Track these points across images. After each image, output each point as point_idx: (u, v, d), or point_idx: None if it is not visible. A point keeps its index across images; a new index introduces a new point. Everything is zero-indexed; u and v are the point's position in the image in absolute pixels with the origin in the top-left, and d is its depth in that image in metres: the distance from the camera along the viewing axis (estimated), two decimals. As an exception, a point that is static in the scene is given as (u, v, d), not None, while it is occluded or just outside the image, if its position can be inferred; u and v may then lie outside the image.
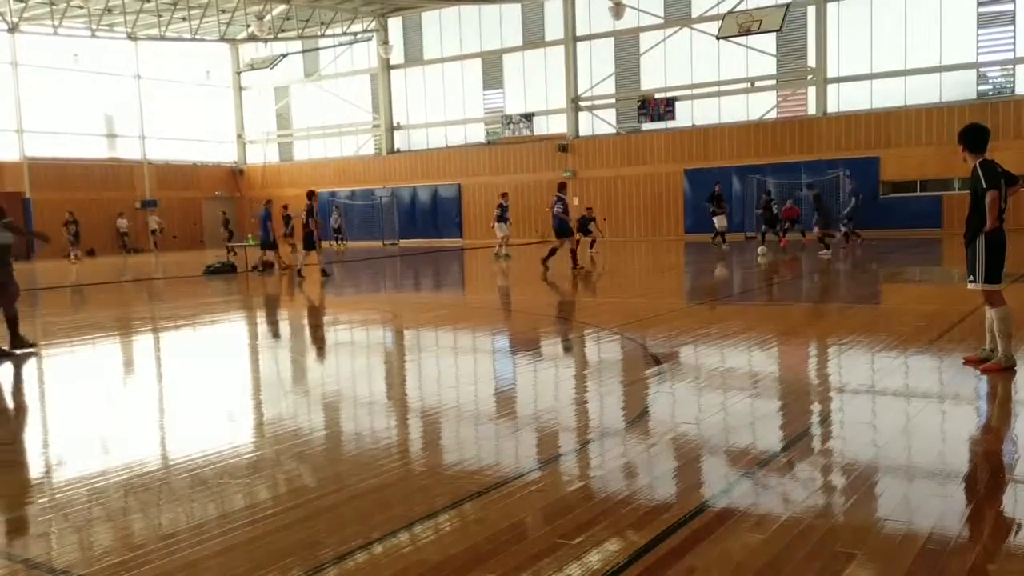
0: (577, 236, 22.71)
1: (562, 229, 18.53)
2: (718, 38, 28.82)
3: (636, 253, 25.18)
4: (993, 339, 6.69)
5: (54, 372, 8.78)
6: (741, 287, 14.86)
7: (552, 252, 18.64)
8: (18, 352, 9.32)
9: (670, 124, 32.17)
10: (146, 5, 33.38)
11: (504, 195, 24.62)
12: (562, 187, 19.58)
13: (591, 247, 23.88)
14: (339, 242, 36.12)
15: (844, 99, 29.33)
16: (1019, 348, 7.17)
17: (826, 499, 4.08)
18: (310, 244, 19.44)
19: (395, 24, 38.66)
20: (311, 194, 19.77)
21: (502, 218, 23.76)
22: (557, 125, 35.02)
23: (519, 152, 35.22)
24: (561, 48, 34.19)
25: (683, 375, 7.12)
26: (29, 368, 8.78)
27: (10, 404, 7.34)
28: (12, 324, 9.49)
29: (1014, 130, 25.59)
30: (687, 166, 31.40)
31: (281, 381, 8.06)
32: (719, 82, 31.30)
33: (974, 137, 6.68)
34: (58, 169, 36.38)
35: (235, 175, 43.43)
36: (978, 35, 27.10)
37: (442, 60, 37.69)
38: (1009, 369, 6.52)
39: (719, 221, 24.50)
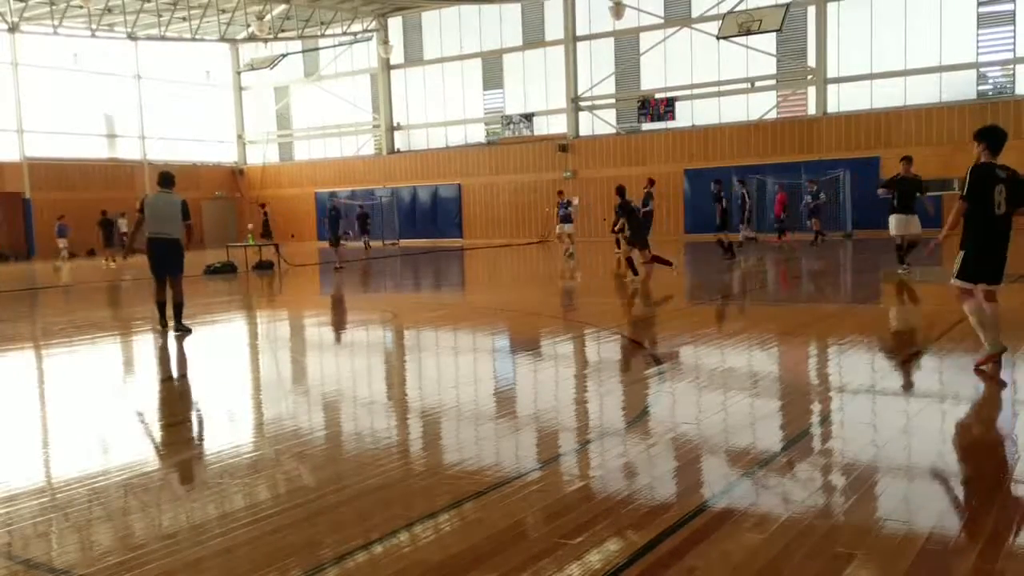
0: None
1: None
2: (718, 38, 28.81)
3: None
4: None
5: (53, 370, 8.79)
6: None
7: None
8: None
9: (670, 124, 32.16)
10: (146, 5, 33.38)
11: (560, 193, 25.14)
12: None
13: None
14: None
15: (844, 99, 29.32)
16: (1020, 349, 7.18)
17: (826, 499, 4.08)
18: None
19: (395, 24, 38.66)
20: (650, 181, 22.98)
21: (566, 218, 23.38)
22: (557, 125, 35.01)
23: (519, 152, 35.21)
24: (561, 48, 34.18)
25: (683, 375, 7.12)
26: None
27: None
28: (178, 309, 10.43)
29: (1014, 130, 25.49)
30: (687, 166, 31.37)
31: (281, 380, 8.06)
32: (719, 82, 31.28)
33: (985, 136, 6.66)
34: (58, 169, 36.36)
35: (235, 175, 43.42)
36: (978, 35, 27.09)
37: (442, 60, 37.68)
38: (998, 355, 6.52)
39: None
